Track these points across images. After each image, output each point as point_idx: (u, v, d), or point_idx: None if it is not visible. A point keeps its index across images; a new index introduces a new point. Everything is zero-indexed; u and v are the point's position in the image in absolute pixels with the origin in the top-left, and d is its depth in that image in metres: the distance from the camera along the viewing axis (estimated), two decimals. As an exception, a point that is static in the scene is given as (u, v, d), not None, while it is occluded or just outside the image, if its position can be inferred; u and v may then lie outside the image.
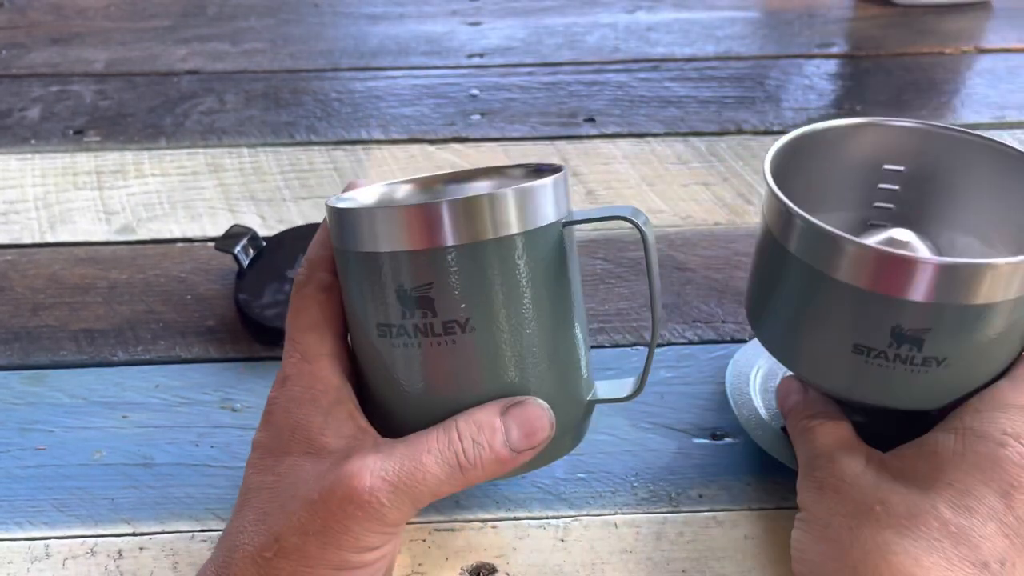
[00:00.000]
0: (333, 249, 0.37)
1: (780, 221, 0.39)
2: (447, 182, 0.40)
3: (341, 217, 0.35)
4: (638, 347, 0.52)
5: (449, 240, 0.33)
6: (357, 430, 0.36)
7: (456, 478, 0.34)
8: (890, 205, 0.46)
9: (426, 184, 0.40)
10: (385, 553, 0.35)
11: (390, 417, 0.37)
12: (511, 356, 0.36)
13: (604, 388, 0.40)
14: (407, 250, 0.34)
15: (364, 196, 0.39)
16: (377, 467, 0.33)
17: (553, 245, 0.35)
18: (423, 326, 0.35)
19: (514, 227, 0.34)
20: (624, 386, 0.40)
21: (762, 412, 0.46)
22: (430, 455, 0.34)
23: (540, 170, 0.38)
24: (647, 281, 0.38)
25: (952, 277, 0.36)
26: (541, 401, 0.36)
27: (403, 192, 0.40)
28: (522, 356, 0.36)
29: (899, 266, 0.36)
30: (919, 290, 0.36)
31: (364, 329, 0.36)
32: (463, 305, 0.34)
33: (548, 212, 0.35)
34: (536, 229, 0.35)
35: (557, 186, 0.35)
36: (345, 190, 0.39)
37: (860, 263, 0.37)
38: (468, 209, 0.33)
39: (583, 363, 0.39)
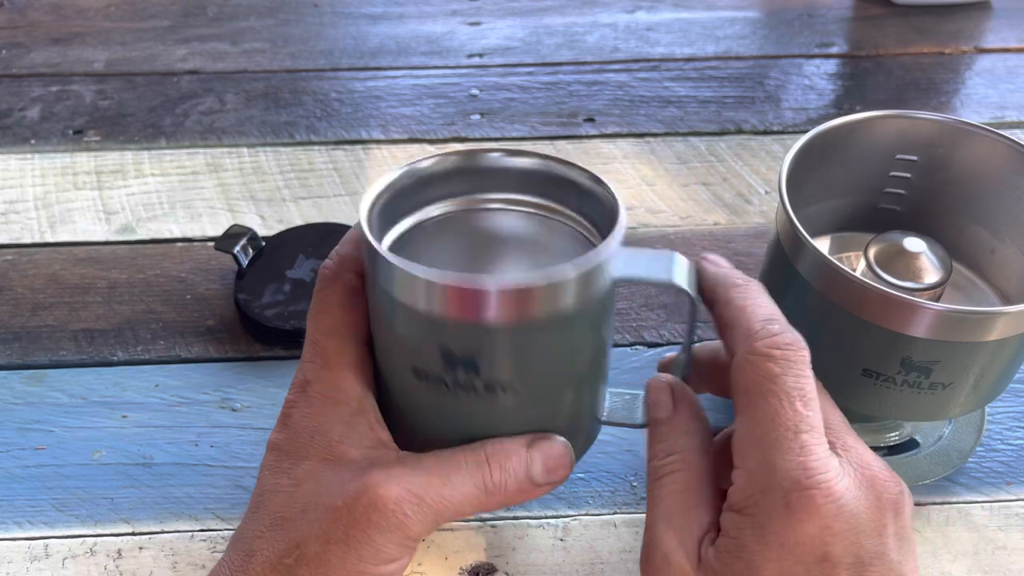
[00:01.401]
0: (364, 267, 0.35)
1: (790, 238, 0.39)
2: (490, 153, 0.37)
3: (380, 262, 0.32)
4: (637, 347, 0.52)
5: (510, 319, 0.31)
6: (377, 442, 0.35)
7: (479, 500, 0.35)
8: (901, 191, 0.45)
9: (468, 158, 0.36)
10: (403, 566, 0.35)
11: (414, 433, 0.37)
12: (549, 408, 0.35)
13: (615, 405, 0.39)
14: (459, 321, 0.31)
15: (396, 183, 0.36)
16: (404, 479, 0.33)
17: (603, 302, 0.34)
18: (464, 382, 0.33)
19: (576, 301, 0.32)
20: (635, 406, 0.39)
21: None
22: (458, 475, 0.34)
23: (599, 182, 0.35)
24: (688, 336, 0.37)
25: (959, 321, 0.36)
26: (564, 440, 0.36)
27: (439, 169, 0.36)
28: (558, 406, 0.36)
29: (905, 307, 0.36)
30: (926, 329, 0.36)
31: (396, 363, 0.35)
32: (509, 370, 0.33)
33: (606, 279, 0.33)
34: (593, 296, 0.33)
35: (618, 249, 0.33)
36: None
37: (865, 299, 0.37)
38: (544, 292, 0.31)
39: (606, 390, 0.39)
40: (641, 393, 0.39)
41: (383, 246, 0.34)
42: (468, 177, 0.37)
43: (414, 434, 0.37)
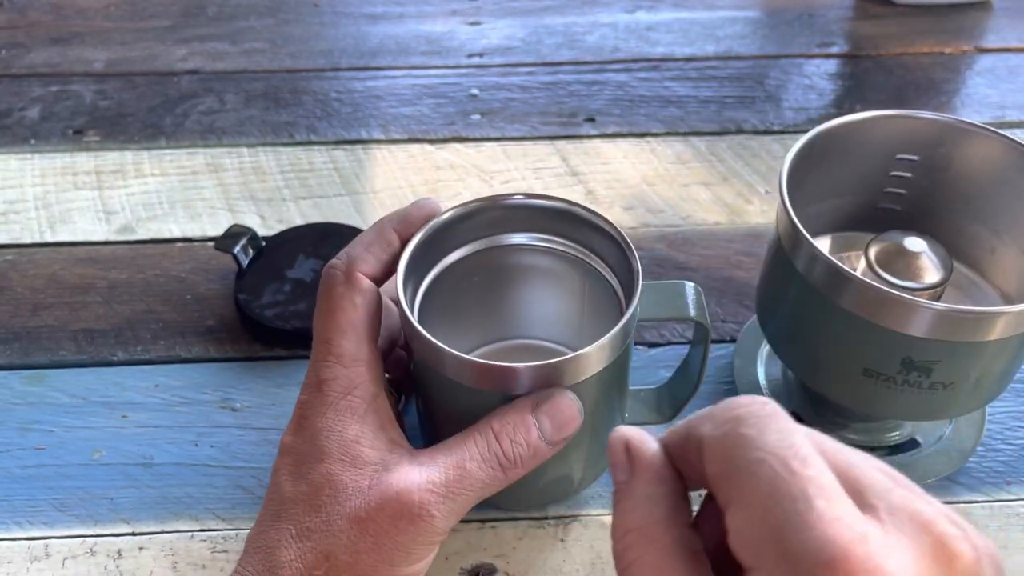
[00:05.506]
0: (408, 345, 0.38)
1: (791, 238, 0.39)
2: (518, 197, 0.41)
3: (445, 356, 0.35)
4: (639, 347, 0.52)
5: (568, 382, 0.36)
6: (390, 442, 0.36)
7: (498, 478, 0.35)
8: (901, 191, 0.45)
9: (496, 203, 0.41)
10: (429, 561, 0.36)
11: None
12: (591, 435, 0.39)
13: (633, 406, 0.44)
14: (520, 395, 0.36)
15: (423, 238, 0.39)
16: (423, 480, 0.34)
17: (629, 344, 0.38)
18: None
19: (613, 353, 0.37)
20: (653, 402, 0.44)
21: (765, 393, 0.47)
22: (473, 461, 0.35)
23: (618, 244, 0.39)
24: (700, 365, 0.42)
25: (960, 321, 0.35)
26: (569, 392, 0.36)
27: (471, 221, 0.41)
28: (602, 427, 0.39)
29: (906, 307, 0.36)
30: (927, 329, 0.36)
31: (447, 413, 0.39)
32: None
33: (632, 327, 0.37)
34: (625, 344, 0.37)
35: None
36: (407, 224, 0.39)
37: (866, 299, 0.37)
38: (594, 356, 0.36)
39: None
40: (652, 388, 0.45)
41: (418, 299, 0.40)
42: (488, 220, 0.42)
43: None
